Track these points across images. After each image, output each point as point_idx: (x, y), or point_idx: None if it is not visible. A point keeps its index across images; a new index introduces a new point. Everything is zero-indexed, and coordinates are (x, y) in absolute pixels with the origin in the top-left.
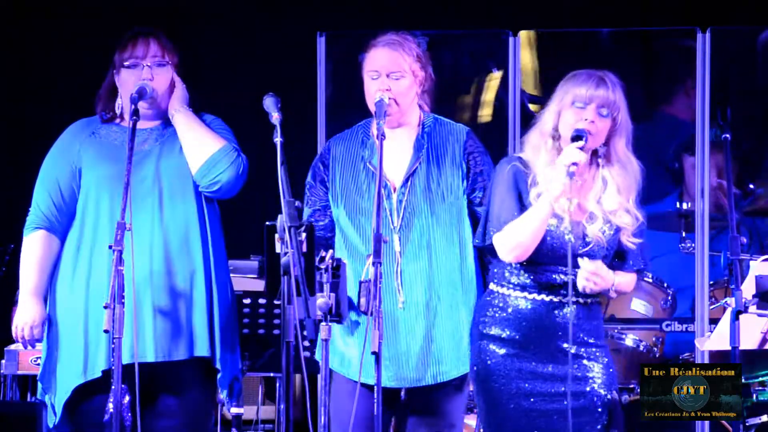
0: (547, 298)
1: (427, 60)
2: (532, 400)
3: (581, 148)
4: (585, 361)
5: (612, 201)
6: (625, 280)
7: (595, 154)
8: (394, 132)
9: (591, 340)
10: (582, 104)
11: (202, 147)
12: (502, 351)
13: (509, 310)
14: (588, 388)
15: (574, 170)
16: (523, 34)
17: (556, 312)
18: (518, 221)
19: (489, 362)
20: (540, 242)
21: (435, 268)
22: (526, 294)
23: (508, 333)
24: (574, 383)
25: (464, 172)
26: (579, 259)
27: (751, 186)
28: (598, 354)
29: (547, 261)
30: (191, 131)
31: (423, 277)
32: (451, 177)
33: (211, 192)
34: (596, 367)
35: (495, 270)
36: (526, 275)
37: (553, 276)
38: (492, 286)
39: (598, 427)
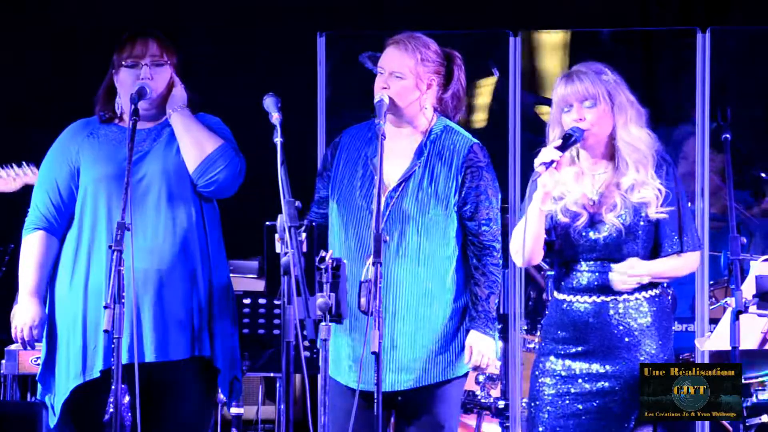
0: (601, 299)
1: (452, 64)
2: (567, 399)
3: (559, 147)
4: (630, 354)
5: (628, 180)
6: (664, 266)
7: (612, 146)
8: (400, 133)
9: (642, 336)
10: (567, 107)
11: (199, 146)
12: (547, 348)
13: (567, 313)
14: (616, 386)
15: (541, 170)
16: (552, 36)
17: (609, 311)
18: (516, 228)
19: (542, 360)
20: (571, 243)
21: (411, 276)
22: (563, 296)
23: (562, 334)
24: (613, 380)
25: (458, 185)
26: (613, 265)
27: (762, 175)
28: (649, 341)
29: (573, 259)
30: (189, 131)
31: (398, 284)
32: (444, 188)
33: (208, 191)
34: (647, 347)
35: (554, 276)
36: (577, 279)
37: (602, 276)
38: (555, 293)
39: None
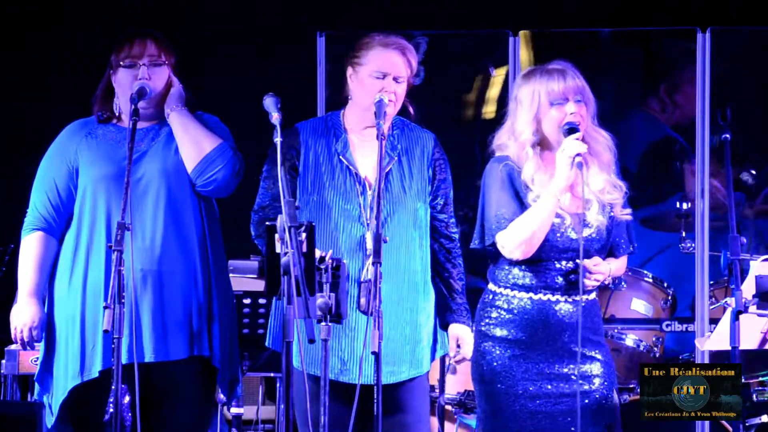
0: (553, 297)
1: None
2: (537, 401)
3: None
4: (587, 361)
5: (598, 180)
6: (617, 265)
7: None
8: (366, 130)
9: (591, 338)
10: (561, 101)
11: (197, 146)
12: (508, 352)
13: (513, 310)
14: (588, 387)
15: (581, 161)
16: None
17: (558, 310)
18: (524, 217)
19: (494, 364)
20: (546, 243)
21: (400, 270)
22: (530, 294)
23: (513, 334)
24: (585, 380)
25: (429, 178)
26: (579, 261)
27: (753, 172)
28: (596, 352)
29: (547, 258)
30: (187, 130)
31: (388, 278)
32: (420, 181)
33: (206, 191)
34: (596, 366)
35: (496, 272)
36: (528, 275)
37: (553, 274)
38: (492, 286)
39: (600, 428)
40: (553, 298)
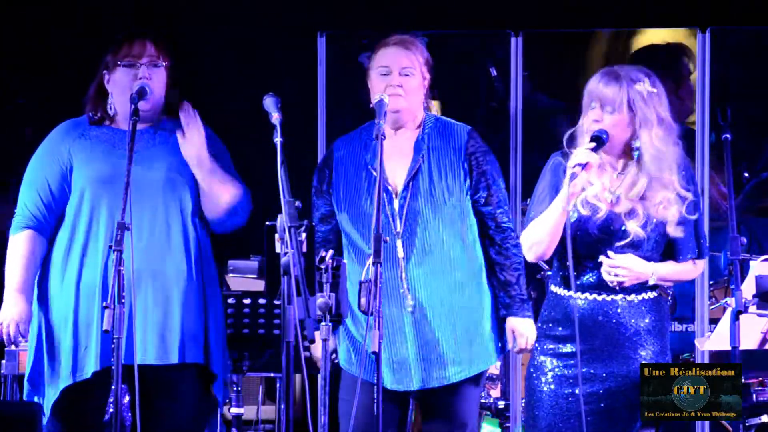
0: (608, 297)
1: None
2: (570, 400)
3: (593, 149)
4: (636, 354)
5: (654, 196)
6: (671, 268)
7: (630, 148)
8: (396, 134)
9: (647, 336)
10: (593, 104)
11: (219, 198)
12: (555, 350)
13: (566, 310)
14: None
15: (577, 171)
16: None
17: (610, 310)
18: (536, 220)
19: (541, 359)
20: (587, 240)
21: (440, 271)
22: (586, 295)
23: (562, 331)
24: (617, 381)
25: (466, 172)
26: (602, 257)
27: (746, 174)
28: (653, 341)
29: (599, 256)
30: (211, 184)
31: (428, 281)
32: (452, 178)
33: (221, 232)
34: (651, 347)
35: (558, 273)
36: (582, 275)
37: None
38: (552, 287)
39: (636, 425)
40: (608, 298)
